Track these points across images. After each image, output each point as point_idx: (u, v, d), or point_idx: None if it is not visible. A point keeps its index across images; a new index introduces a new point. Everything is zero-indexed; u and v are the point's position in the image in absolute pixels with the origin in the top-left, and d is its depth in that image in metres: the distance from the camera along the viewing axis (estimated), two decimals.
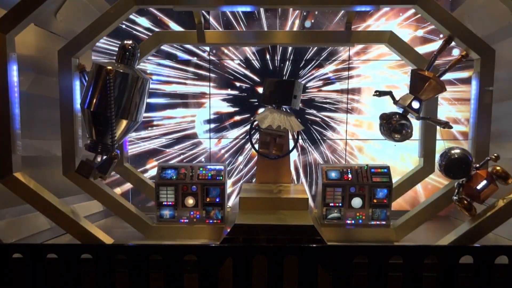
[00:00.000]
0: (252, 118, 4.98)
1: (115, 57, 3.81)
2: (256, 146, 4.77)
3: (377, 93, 4.12)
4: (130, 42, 3.80)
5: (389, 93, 4.10)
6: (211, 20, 6.08)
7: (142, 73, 3.80)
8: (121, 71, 3.63)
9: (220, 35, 5.24)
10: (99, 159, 3.76)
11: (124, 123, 3.72)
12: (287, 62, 6.13)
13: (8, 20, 3.70)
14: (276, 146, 4.43)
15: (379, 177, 4.35)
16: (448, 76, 4.65)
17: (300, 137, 4.76)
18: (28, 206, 4.02)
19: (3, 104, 3.72)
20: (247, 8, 5.08)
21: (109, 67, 3.51)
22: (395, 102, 4.08)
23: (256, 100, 6.15)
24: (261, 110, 4.88)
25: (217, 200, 4.39)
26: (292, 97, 4.36)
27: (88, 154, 3.80)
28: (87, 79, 3.76)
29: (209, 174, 4.42)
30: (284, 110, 4.43)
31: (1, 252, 3.17)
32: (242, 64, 6.17)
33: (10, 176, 3.79)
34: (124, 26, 5.95)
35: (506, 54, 4.64)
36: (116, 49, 3.82)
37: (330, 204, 4.36)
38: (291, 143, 4.80)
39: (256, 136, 4.83)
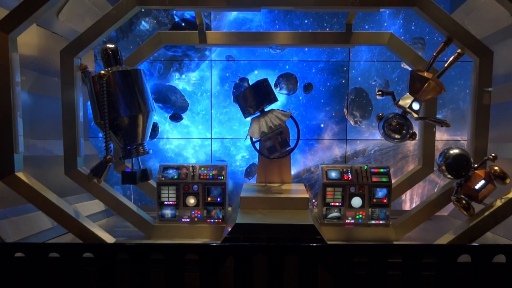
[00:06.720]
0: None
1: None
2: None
3: (380, 92, 4.13)
4: (109, 44, 3.77)
5: (391, 94, 4.12)
6: None
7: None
8: (120, 70, 3.64)
9: (222, 36, 5.26)
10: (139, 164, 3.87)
11: (147, 115, 3.74)
12: None
13: (11, 20, 3.71)
14: (282, 143, 4.44)
15: (378, 177, 4.38)
16: None
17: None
18: (30, 206, 4.04)
19: (5, 104, 3.73)
20: (249, 9, 5.09)
21: (103, 72, 3.53)
22: (396, 102, 4.10)
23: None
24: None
25: (218, 199, 4.41)
26: (266, 95, 4.42)
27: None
28: (87, 76, 3.75)
29: (210, 174, 4.44)
30: (265, 111, 4.45)
31: (3, 251, 3.18)
32: None
33: (12, 175, 3.80)
34: None
35: (504, 55, 4.68)
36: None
37: (330, 204, 4.39)
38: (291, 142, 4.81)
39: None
